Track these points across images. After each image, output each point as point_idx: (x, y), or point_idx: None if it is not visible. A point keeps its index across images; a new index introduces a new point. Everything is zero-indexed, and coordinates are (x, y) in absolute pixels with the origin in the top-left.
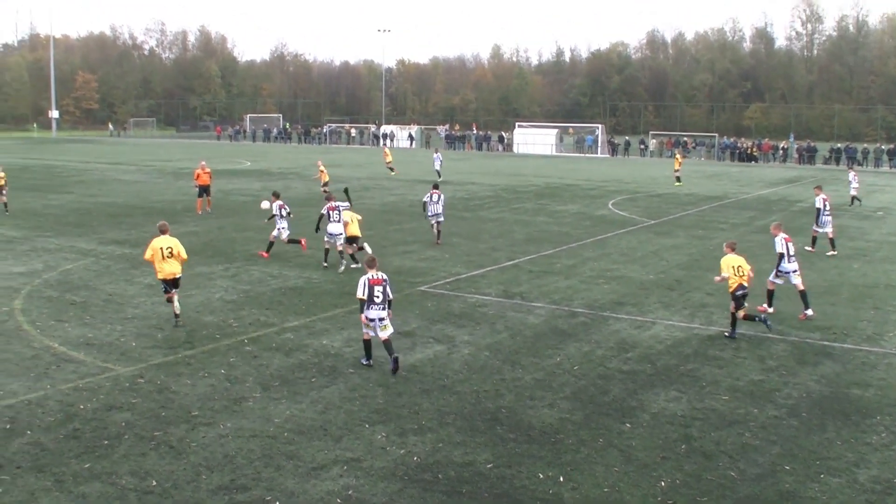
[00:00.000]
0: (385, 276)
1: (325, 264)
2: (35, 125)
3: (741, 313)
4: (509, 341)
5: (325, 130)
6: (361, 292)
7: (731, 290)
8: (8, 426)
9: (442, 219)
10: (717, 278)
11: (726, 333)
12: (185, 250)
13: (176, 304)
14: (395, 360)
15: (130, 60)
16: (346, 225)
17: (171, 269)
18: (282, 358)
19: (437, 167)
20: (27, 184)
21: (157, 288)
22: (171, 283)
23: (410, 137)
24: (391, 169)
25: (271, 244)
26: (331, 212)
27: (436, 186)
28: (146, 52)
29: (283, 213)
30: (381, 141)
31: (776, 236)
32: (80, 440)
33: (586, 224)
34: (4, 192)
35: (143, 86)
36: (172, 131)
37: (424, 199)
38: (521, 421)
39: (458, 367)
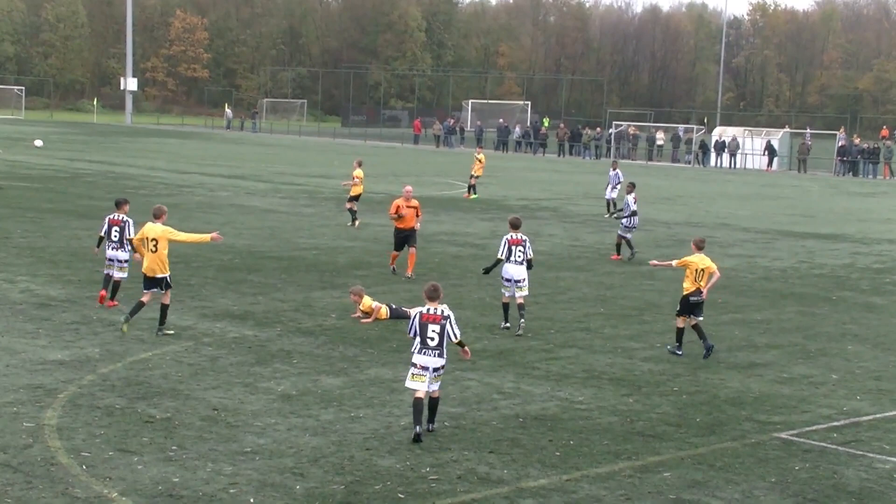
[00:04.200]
0: (448, 313)
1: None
2: (96, 101)
3: None
4: None
5: (609, 133)
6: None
7: None
8: None
9: (630, 234)
10: None
11: None
12: (183, 236)
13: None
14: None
15: None
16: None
17: (152, 265)
18: None
19: (611, 194)
20: (76, 205)
21: (294, 401)
22: (151, 282)
23: (769, 150)
24: (471, 189)
25: (115, 285)
26: (513, 246)
27: (633, 185)
28: None
29: (120, 235)
30: (697, 156)
31: None
32: None
33: None
34: None
35: (289, 41)
36: (335, 124)
37: (627, 198)
38: None
39: None
